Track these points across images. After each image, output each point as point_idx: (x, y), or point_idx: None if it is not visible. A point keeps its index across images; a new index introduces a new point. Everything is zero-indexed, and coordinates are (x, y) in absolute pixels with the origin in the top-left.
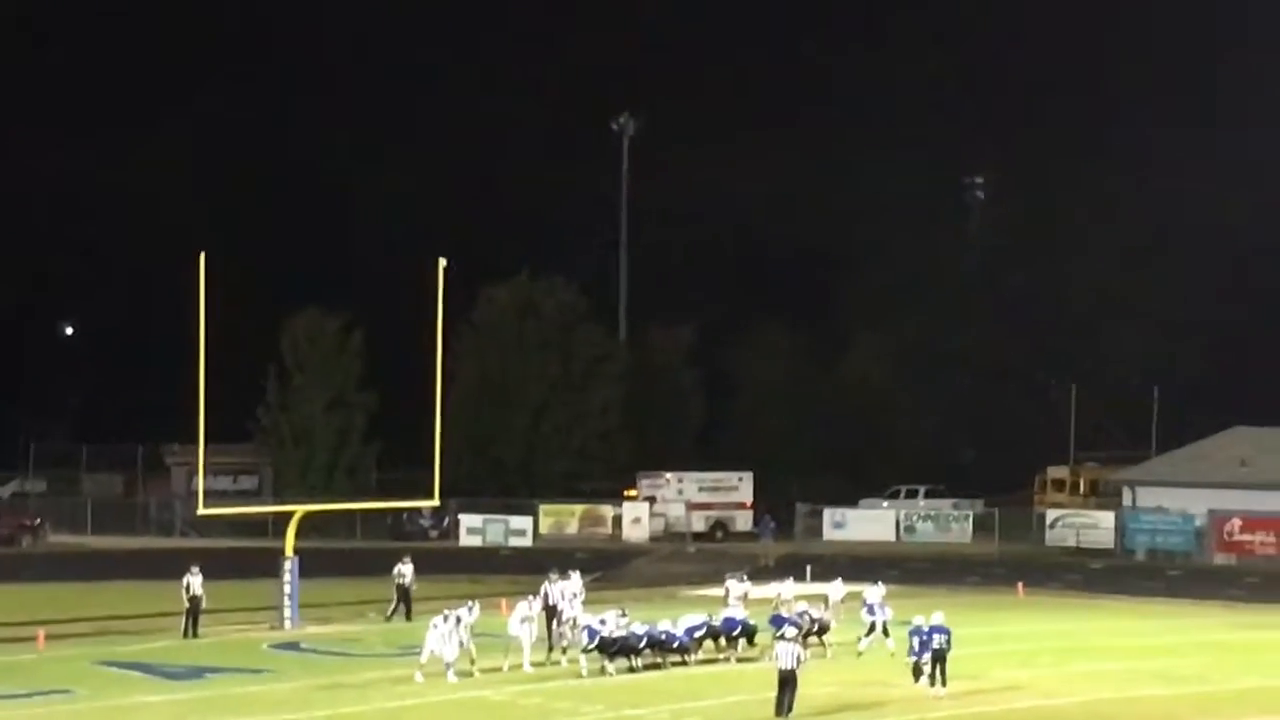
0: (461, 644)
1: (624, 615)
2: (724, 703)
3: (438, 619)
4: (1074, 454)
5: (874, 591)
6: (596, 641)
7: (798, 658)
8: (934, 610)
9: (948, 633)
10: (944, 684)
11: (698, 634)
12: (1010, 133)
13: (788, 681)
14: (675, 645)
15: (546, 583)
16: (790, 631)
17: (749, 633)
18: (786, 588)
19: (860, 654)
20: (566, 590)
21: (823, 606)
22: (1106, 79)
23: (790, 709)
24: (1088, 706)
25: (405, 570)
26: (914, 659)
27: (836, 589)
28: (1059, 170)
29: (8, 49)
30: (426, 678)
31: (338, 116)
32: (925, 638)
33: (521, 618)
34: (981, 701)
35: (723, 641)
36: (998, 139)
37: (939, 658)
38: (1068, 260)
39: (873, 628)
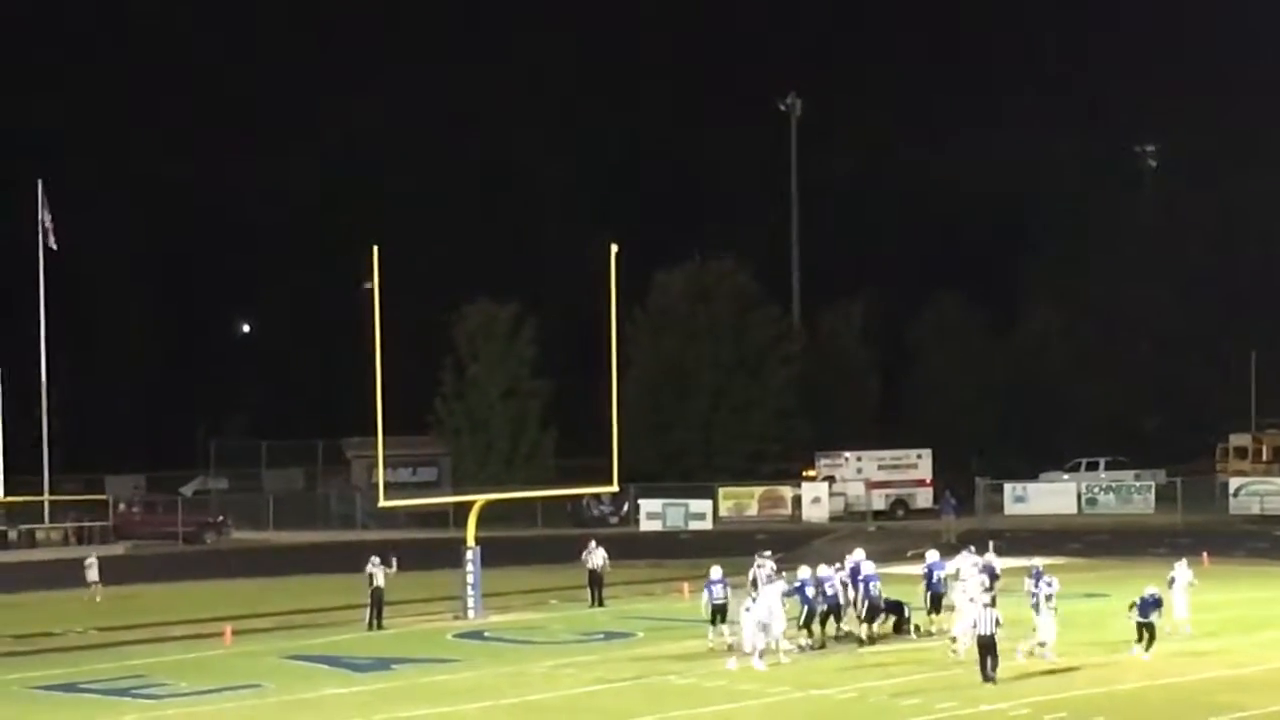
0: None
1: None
2: (912, 679)
3: (748, 602)
4: (1255, 421)
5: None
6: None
7: (997, 621)
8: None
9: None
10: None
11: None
12: (1182, 99)
13: (988, 647)
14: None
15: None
16: (986, 597)
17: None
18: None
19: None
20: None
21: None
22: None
23: (994, 673)
24: (1273, 674)
25: (595, 555)
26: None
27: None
28: (1230, 136)
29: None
30: (611, 668)
31: (504, 100)
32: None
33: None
34: (1171, 672)
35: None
36: (1170, 106)
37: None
38: (1243, 225)
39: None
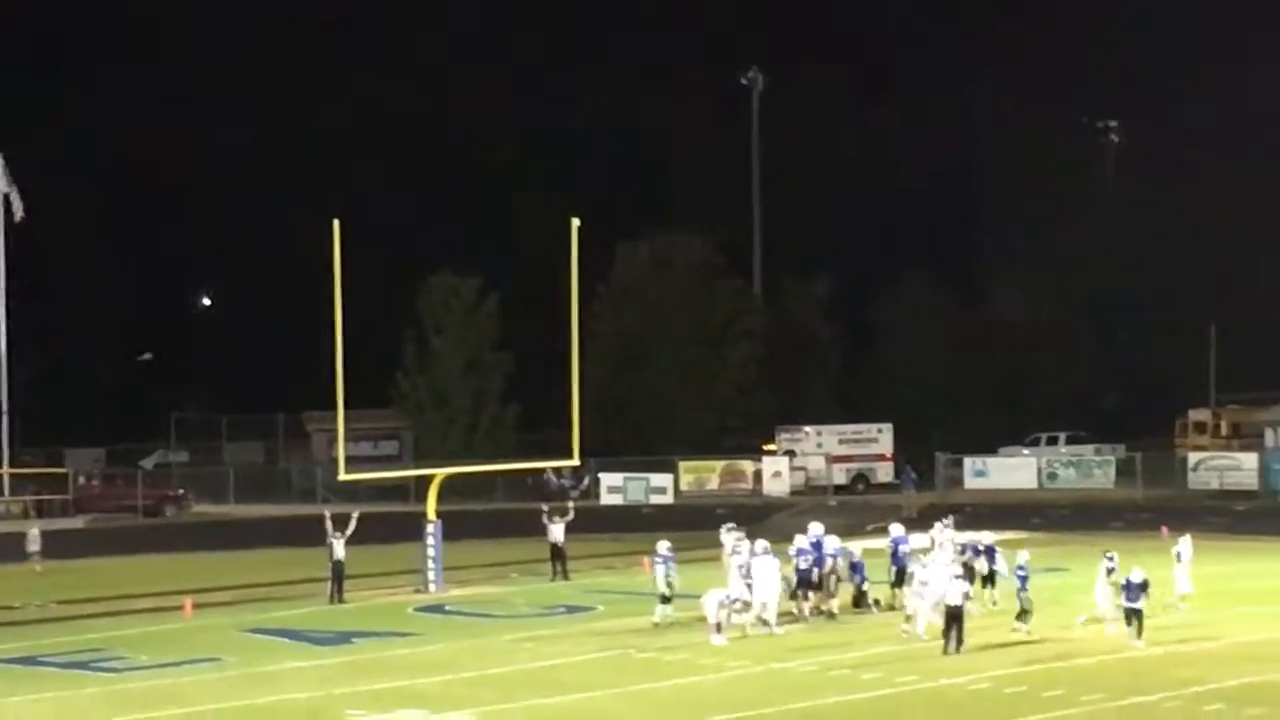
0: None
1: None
2: (873, 653)
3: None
4: (1215, 396)
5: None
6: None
7: (966, 594)
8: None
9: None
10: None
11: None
12: (1144, 75)
13: (955, 618)
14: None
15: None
16: (956, 569)
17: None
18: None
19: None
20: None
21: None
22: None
23: (959, 645)
24: (1242, 649)
25: (555, 528)
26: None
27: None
28: (1192, 112)
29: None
30: (572, 641)
31: (465, 75)
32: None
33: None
34: (1132, 646)
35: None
36: (1132, 82)
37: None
38: (1203, 201)
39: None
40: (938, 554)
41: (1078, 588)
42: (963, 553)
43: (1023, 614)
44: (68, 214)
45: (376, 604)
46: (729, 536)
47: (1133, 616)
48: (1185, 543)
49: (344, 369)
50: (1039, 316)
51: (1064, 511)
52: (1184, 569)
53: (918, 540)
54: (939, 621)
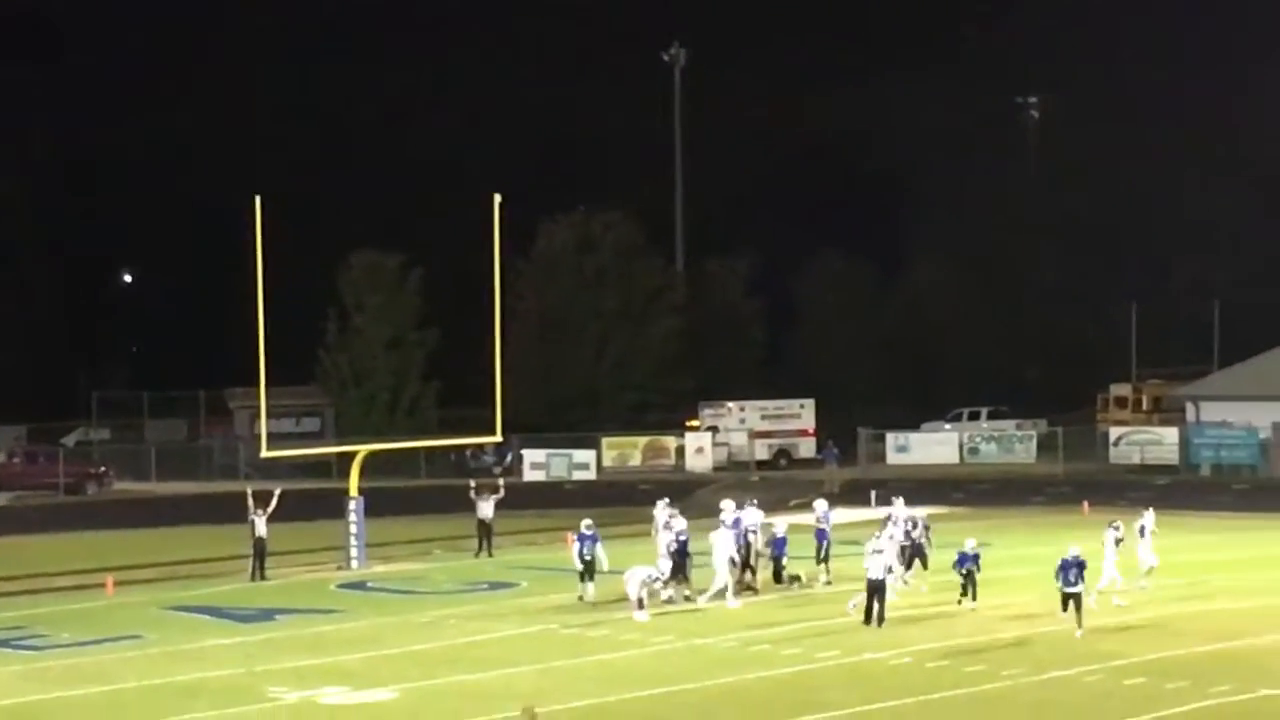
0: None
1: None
2: (798, 628)
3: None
4: (1136, 371)
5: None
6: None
7: (888, 568)
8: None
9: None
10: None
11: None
12: (1065, 52)
13: (876, 591)
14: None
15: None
16: (878, 543)
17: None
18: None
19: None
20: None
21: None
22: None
23: (881, 619)
24: (1156, 621)
25: (485, 504)
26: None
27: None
28: (1111, 88)
29: None
30: (495, 618)
31: (391, 53)
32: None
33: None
34: (1052, 620)
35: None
36: (1053, 60)
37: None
38: (1124, 179)
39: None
40: (891, 528)
41: (1002, 562)
42: (915, 527)
43: (967, 591)
44: None
45: (299, 581)
46: (663, 512)
47: (1070, 601)
48: (1149, 516)
49: (266, 346)
50: (961, 293)
51: (985, 487)
52: (1147, 543)
53: (839, 515)
54: (894, 598)
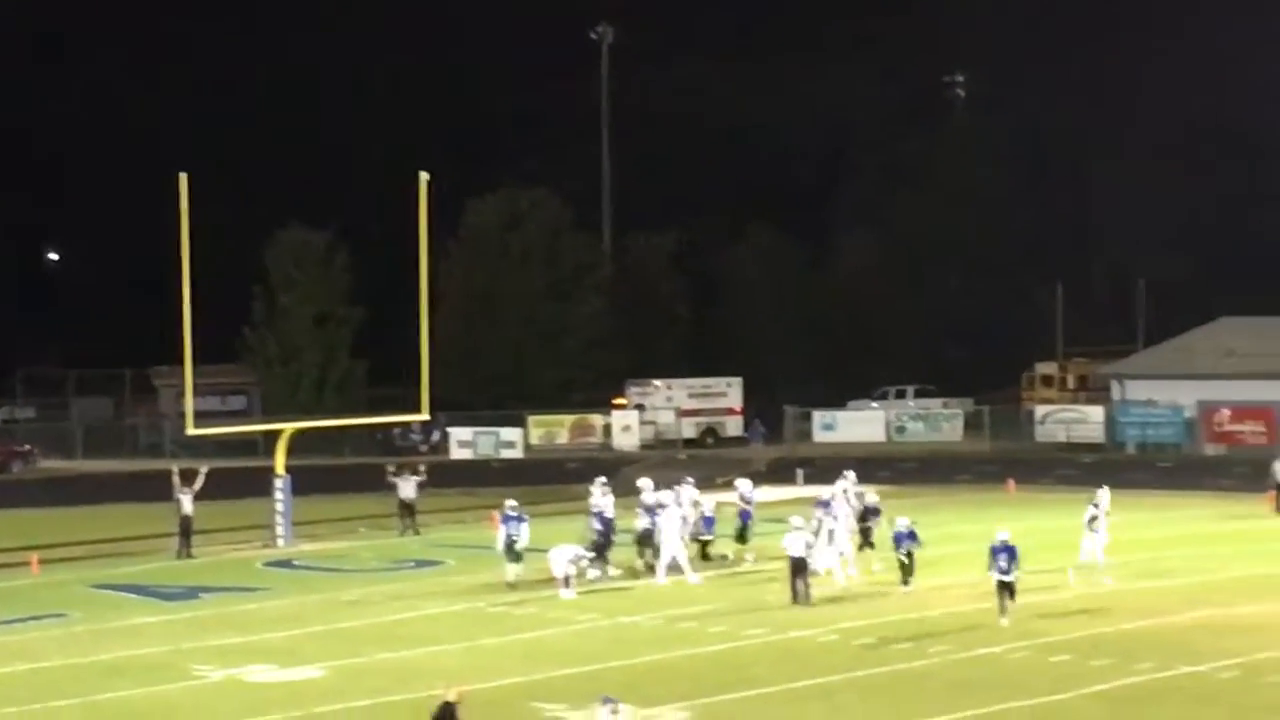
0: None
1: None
2: (724, 605)
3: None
4: (1062, 350)
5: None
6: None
7: (806, 544)
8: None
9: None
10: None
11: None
12: (990, 31)
13: (799, 569)
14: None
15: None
16: (798, 520)
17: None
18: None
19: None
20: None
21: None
22: None
23: (808, 597)
24: (1081, 599)
25: (407, 484)
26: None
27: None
28: (1037, 67)
29: None
30: (421, 596)
31: (317, 28)
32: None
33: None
34: (979, 598)
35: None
36: (978, 37)
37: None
38: (1051, 156)
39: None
40: (841, 506)
41: (931, 541)
42: (864, 518)
43: (907, 571)
44: None
45: (225, 559)
46: (597, 490)
47: (1003, 590)
48: (1104, 494)
49: (191, 324)
50: (887, 270)
51: (912, 465)
52: (1101, 522)
53: (766, 494)
54: (856, 574)
